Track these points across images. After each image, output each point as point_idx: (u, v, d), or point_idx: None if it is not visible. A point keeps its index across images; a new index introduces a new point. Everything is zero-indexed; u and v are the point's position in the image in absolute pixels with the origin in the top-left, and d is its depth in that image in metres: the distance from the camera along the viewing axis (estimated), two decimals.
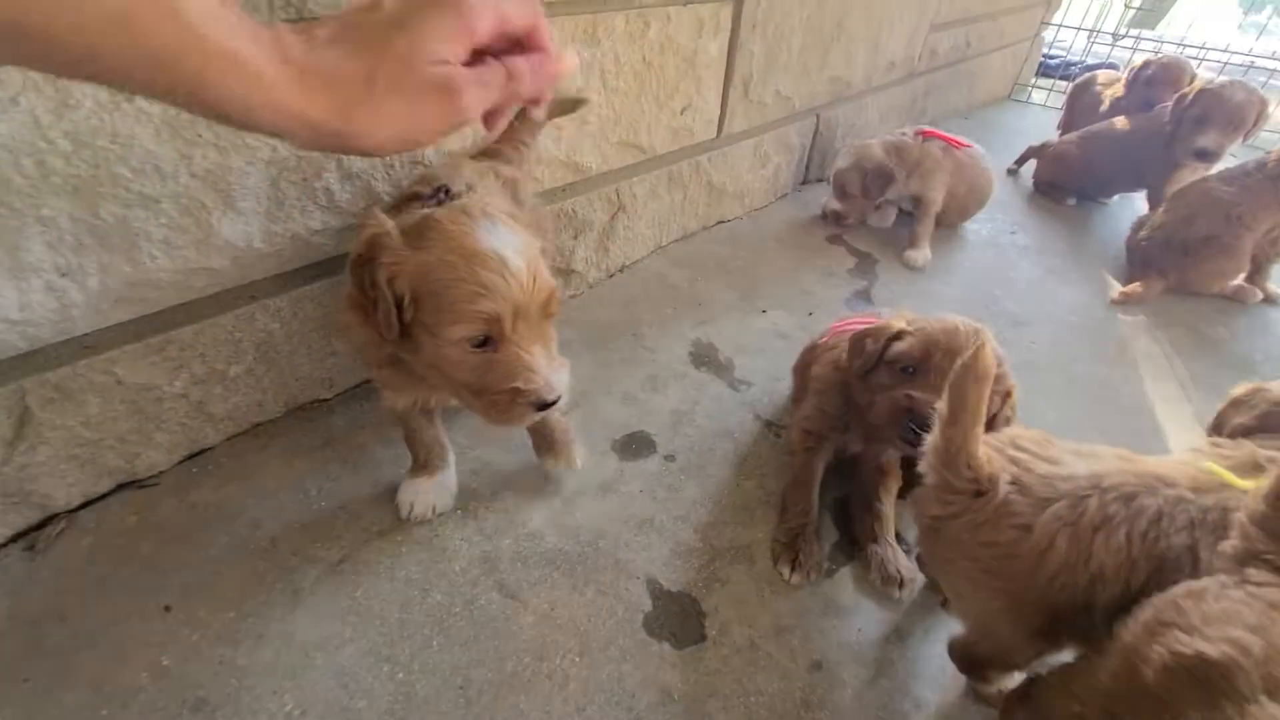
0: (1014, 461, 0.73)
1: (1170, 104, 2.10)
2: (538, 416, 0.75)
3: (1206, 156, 2.00)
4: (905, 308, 1.17)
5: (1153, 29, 4.59)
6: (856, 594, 0.96)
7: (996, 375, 0.89)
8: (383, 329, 0.71)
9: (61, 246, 0.79)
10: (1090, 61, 3.80)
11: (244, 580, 0.87)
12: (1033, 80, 3.95)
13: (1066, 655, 0.74)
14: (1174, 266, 1.82)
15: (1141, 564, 0.66)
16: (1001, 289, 1.81)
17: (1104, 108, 2.53)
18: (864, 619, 0.93)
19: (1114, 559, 0.66)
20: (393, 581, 0.90)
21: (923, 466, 0.75)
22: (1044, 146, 2.48)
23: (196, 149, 0.85)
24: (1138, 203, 2.33)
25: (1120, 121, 2.27)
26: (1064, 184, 2.38)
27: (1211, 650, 0.52)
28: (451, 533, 0.97)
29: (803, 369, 1.19)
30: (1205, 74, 2.38)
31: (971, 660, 0.81)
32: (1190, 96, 2.03)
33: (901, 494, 1.06)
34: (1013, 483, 0.71)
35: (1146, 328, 1.70)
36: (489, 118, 0.48)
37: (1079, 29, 3.85)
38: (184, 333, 0.94)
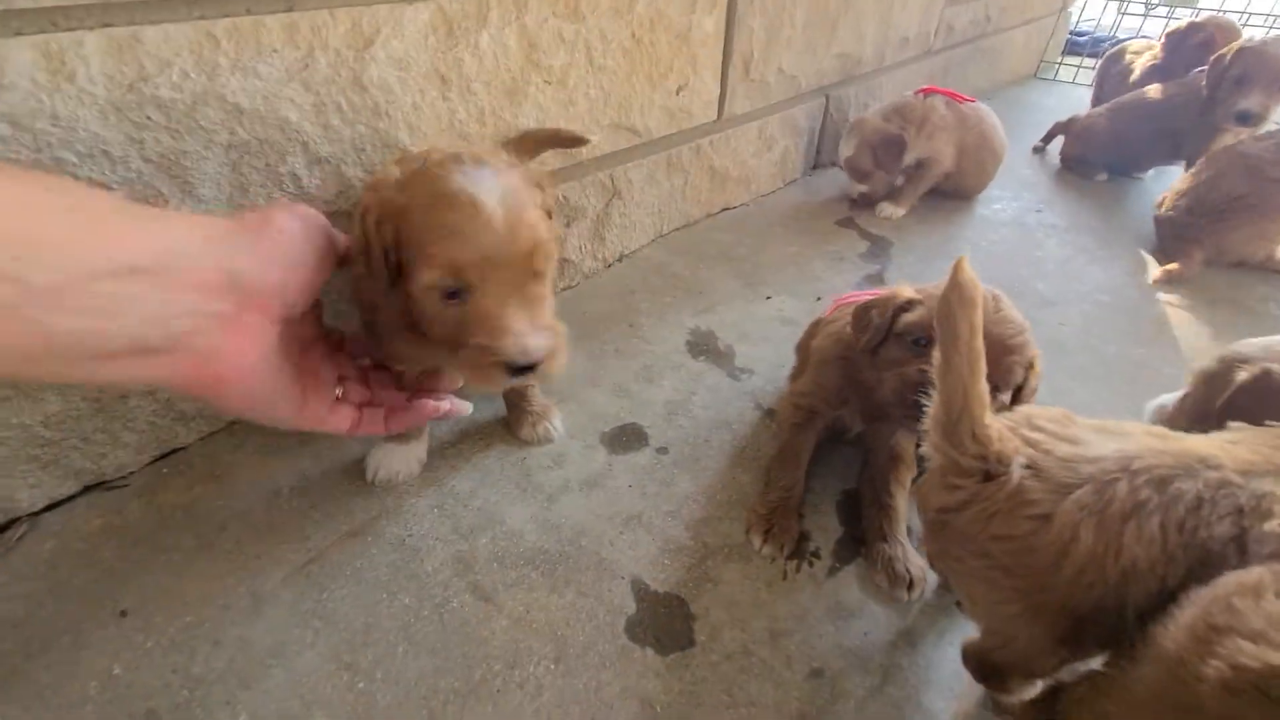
0: (1030, 443, 0.63)
1: (1206, 67, 1.96)
2: (514, 381, 0.68)
3: (1249, 120, 1.86)
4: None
5: (1192, 5, 4.33)
6: (862, 595, 0.88)
7: (1018, 344, 0.81)
8: (375, 276, 0.67)
9: None
10: (1121, 36, 3.62)
11: (205, 584, 0.83)
12: (1060, 58, 3.78)
13: (1094, 661, 0.65)
14: (1208, 234, 1.68)
15: (1179, 557, 0.56)
16: (1028, 269, 1.70)
17: (1135, 77, 2.39)
18: (870, 622, 0.84)
19: (1147, 552, 0.56)
20: (360, 584, 0.84)
21: (925, 447, 0.67)
22: (1071, 121, 2.35)
23: (147, 132, 0.81)
24: (1174, 177, 2.19)
25: (1153, 90, 2.14)
26: (1093, 159, 2.24)
27: None
28: (426, 531, 0.92)
29: (804, 346, 1.11)
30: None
31: (988, 668, 0.72)
32: (1229, 56, 1.89)
33: (916, 481, 0.98)
34: (1028, 466, 0.61)
35: (1189, 305, 1.57)
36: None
37: (1108, 1, 3.67)
38: None
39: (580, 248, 1.47)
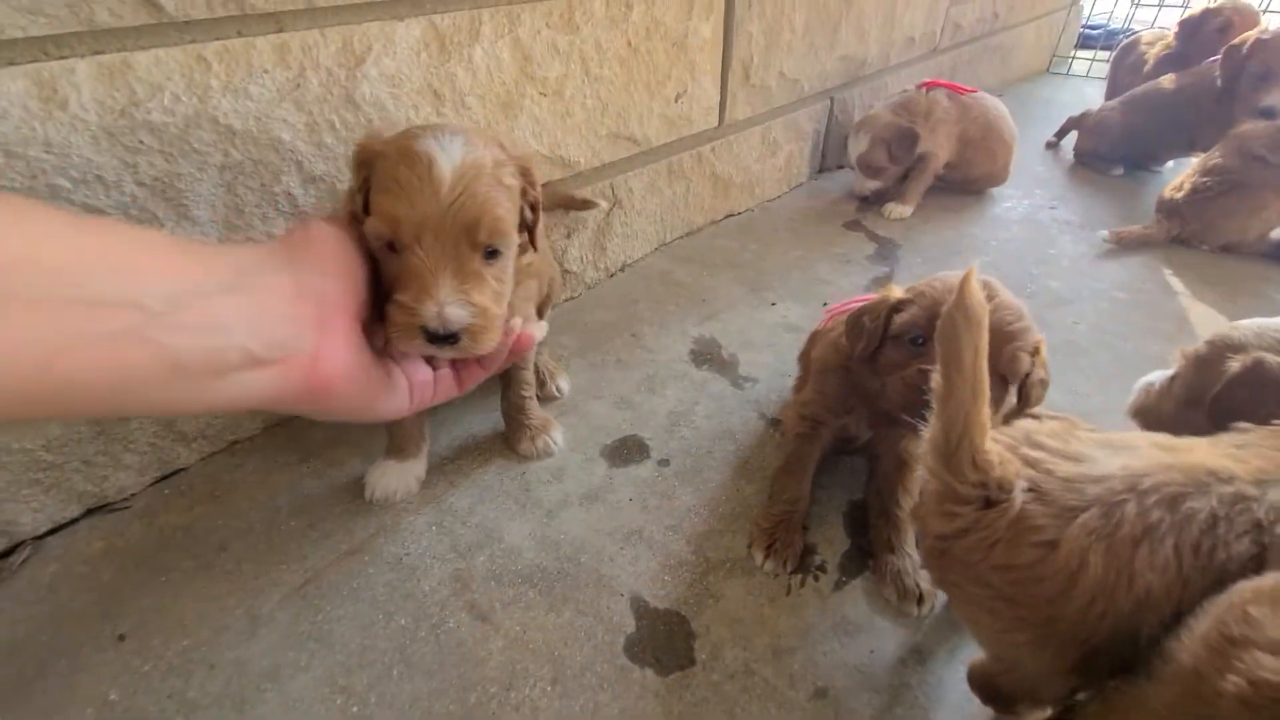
0: (1031, 463, 0.60)
1: (1220, 58, 1.91)
2: (430, 349, 0.65)
3: (1274, 117, 1.80)
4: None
5: None
6: (869, 610, 0.85)
7: (1019, 329, 0.77)
8: (355, 217, 0.67)
9: None
10: (1135, 28, 3.55)
11: (203, 606, 0.83)
12: (1073, 52, 3.71)
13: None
14: (1192, 209, 1.69)
15: (1196, 580, 0.53)
16: (1041, 267, 1.66)
17: (1148, 68, 2.34)
18: (877, 639, 0.81)
19: (1162, 578, 0.53)
20: (357, 604, 0.84)
21: (920, 470, 0.63)
22: (1084, 116, 2.31)
23: (140, 156, 0.82)
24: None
25: (1166, 81, 2.09)
26: (1107, 153, 2.19)
27: None
28: (423, 550, 0.91)
29: (806, 356, 1.08)
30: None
31: (994, 692, 0.69)
32: (1247, 48, 1.84)
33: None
34: (1031, 489, 0.58)
35: (1210, 300, 1.52)
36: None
37: None
38: None
39: (582, 258, 1.46)
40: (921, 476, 0.63)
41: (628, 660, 0.78)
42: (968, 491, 0.58)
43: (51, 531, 0.91)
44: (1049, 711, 0.66)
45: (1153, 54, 2.41)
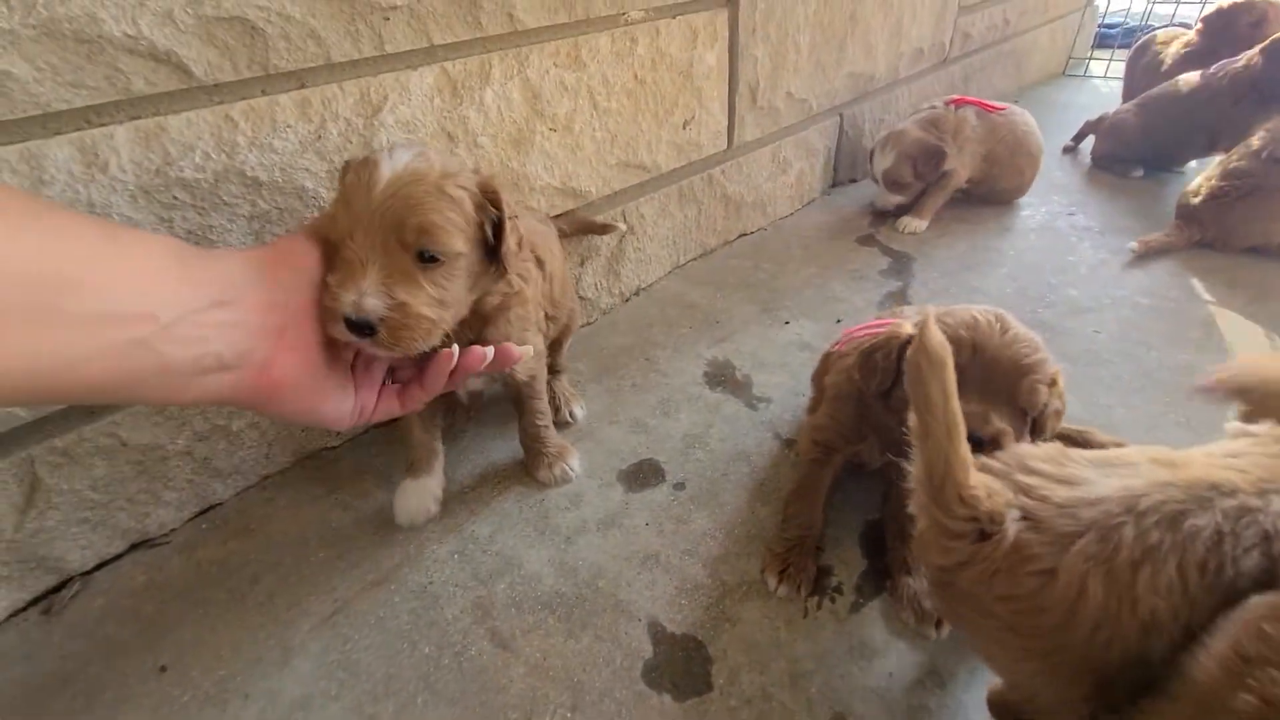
0: (1024, 489, 0.59)
1: (1259, 53, 1.87)
2: (350, 337, 0.67)
3: None
4: (947, 305, 1.06)
5: None
6: (887, 633, 0.85)
7: (1034, 363, 0.77)
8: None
9: None
10: (1152, 25, 3.50)
11: (238, 637, 0.86)
12: (1090, 53, 3.67)
13: None
14: (1210, 213, 1.66)
15: (1203, 601, 0.52)
16: (1059, 275, 1.64)
17: (1166, 67, 2.30)
18: (895, 661, 0.81)
19: (1167, 600, 0.52)
20: (383, 633, 0.86)
21: (911, 507, 0.64)
22: (1101, 119, 2.28)
23: (175, 211, 0.87)
24: None
25: (1183, 80, 2.05)
26: (1124, 156, 2.16)
27: None
28: (446, 578, 0.93)
29: (820, 377, 1.09)
30: None
31: (1011, 717, 0.68)
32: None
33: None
34: (1025, 517, 0.57)
35: (1239, 304, 1.48)
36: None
37: None
38: None
39: (596, 284, 1.49)
40: (914, 512, 0.63)
41: (645, 686, 0.80)
42: (960, 526, 0.58)
43: (98, 567, 0.96)
44: None
45: (1169, 53, 2.38)
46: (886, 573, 0.91)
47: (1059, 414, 0.82)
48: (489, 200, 0.77)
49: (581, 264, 1.44)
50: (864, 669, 0.81)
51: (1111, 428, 1.11)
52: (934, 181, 1.90)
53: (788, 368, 1.33)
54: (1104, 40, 3.73)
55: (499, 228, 0.78)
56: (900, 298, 1.58)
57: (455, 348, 0.73)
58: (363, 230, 0.68)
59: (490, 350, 0.74)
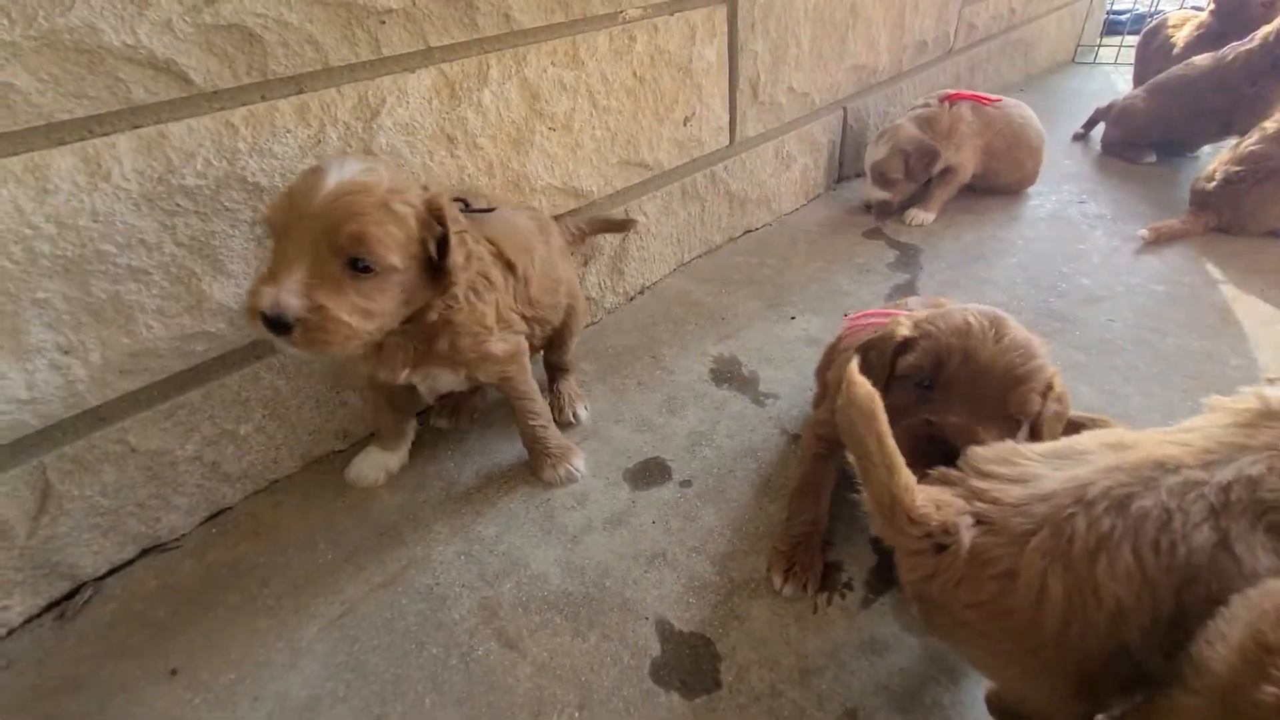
0: (978, 494, 0.59)
1: (1264, 35, 1.83)
2: (267, 333, 0.70)
3: None
4: (955, 297, 1.04)
5: None
6: (898, 628, 0.83)
7: (1028, 371, 0.75)
8: None
9: (60, 325, 0.84)
10: (1163, 10, 3.44)
11: (247, 639, 0.87)
12: (1099, 39, 3.62)
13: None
14: (1225, 198, 1.62)
15: (1163, 582, 0.51)
16: (1071, 264, 1.61)
17: (1178, 50, 2.26)
18: (906, 657, 0.80)
19: (1128, 586, 0.51)
20: (391, 634, 0.86)
21: (872, 529, 0.64)
22: (1110, 106, 2.24)
23: (178, 218, 0.88)
24: None
25: (1194, 64, 2.01)
26: (1135, 141, 2.13)
27: None
28: (453, 579, 0.93)
29: (823, 371, 1.08)
30: None
31: (1010, 717, 0.67)
32: None
33: None
34: (980, 521, 0.57)
35: (1259, 289, 1.45)
36: None
37: None
38: (191, 396, 0.97)
39: (600, 284, 1.49)
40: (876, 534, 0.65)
41: (654, 684, 0.79)
42: (916, 544, 0.59)
43: (110, 572, 0.96)
44: None
45: (1181, 36, 2.34)
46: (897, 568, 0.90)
47: (1059, 416, 0.79)
48: (434, 217, 0.78)
49: (585, 264, 1.44)
50: (875, 665, 0.79)
51: (1128, 417, 1.09)
52: (937, 176, 1.88)
53: (794, 363, 1.32)
54: (1114, 27, 3.68)
55: (444, 243, 0.78)
56: (908, 290, 1.56)
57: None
58: (297, 230, 0.69)
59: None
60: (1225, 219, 1.63)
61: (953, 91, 1.91)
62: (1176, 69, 2.07)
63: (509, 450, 1.14)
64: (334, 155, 0.80)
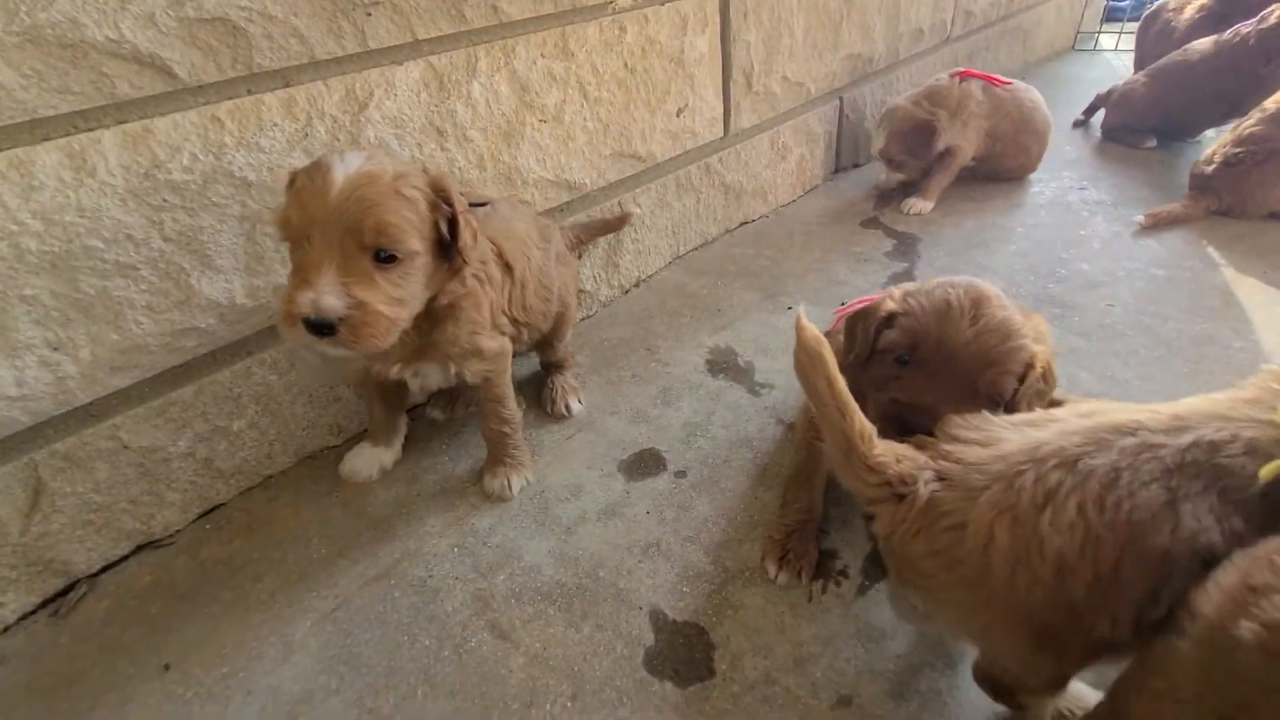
0: (944, 455, 0.62)
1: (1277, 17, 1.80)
2: (310, 339, 0.70)
3: None
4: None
5: None
6: (893, 615, 0.82)
7: (1002, 354, 0.75)
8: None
9: (49, 322, 0.83)
10: None
11: (240, 634, 0.87)
12: (1099, 26, 3.59)
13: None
14: (1225, 181, 1.60)
15: (1106, 537, 0.53)
16: (1071, 250, 1.60)
17: (1179, 34, 2.24)
18: (901, 644, 0.79)
19: (1071, 538, 0.53)
20: (383, 627, 0.86)
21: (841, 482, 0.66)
22: (1111, 92, 2.22)
23: (165, 213, 0.88)
24: None
25: (1200, 45, 1.99)
26: (1134, 126, 2.11)
27: None
28: (446, 571, 0.93)
29: None
30: None
31: (995, 685, 0.67)
32: None
33: None
34: (940, 478, 0.60)
35: (1261, 271, 1.43)
36: None
37: None
38: (183, 393, 0.97)
39: (595, 277, 1.48)
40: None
41: (647, 674, 0.78)
42: (873, 492, 0.61)
43: (104, 569, 0.96)
44: (1051, 704, 0.65)
45: (1182, 19, 2.31)
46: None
47: (1040, 393, 0.79)
48: (441, 198, 0.77)
49: (580, 257, 1.43)
50: (871, 652, 0.78)
51: (1128, 401, 1.08)
52: (936, 160, 1.86)
53: (791, 353, 1.30)
54: (1113, 14, 3.65)
55: (453, 223, 0.78)
56: (906, 279, 1.55)
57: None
58: (319, 232, 0.69)
59: None
60: (1226, 202, 1.61)
61: (965, 69, 1.89)
62: (1177, 53, 2.04)
63: None
64: (327, 149, 0.80)
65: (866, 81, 2.13)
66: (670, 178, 1.58)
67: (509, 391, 1.03)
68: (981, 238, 1.69)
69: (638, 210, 1.52)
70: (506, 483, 1.03)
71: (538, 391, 1.22)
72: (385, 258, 0.72)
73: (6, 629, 0.89)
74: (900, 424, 0.75)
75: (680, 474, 1.05)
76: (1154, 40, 2.39)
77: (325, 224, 0.68)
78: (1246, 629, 0.43)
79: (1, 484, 0.85)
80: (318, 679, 0.81)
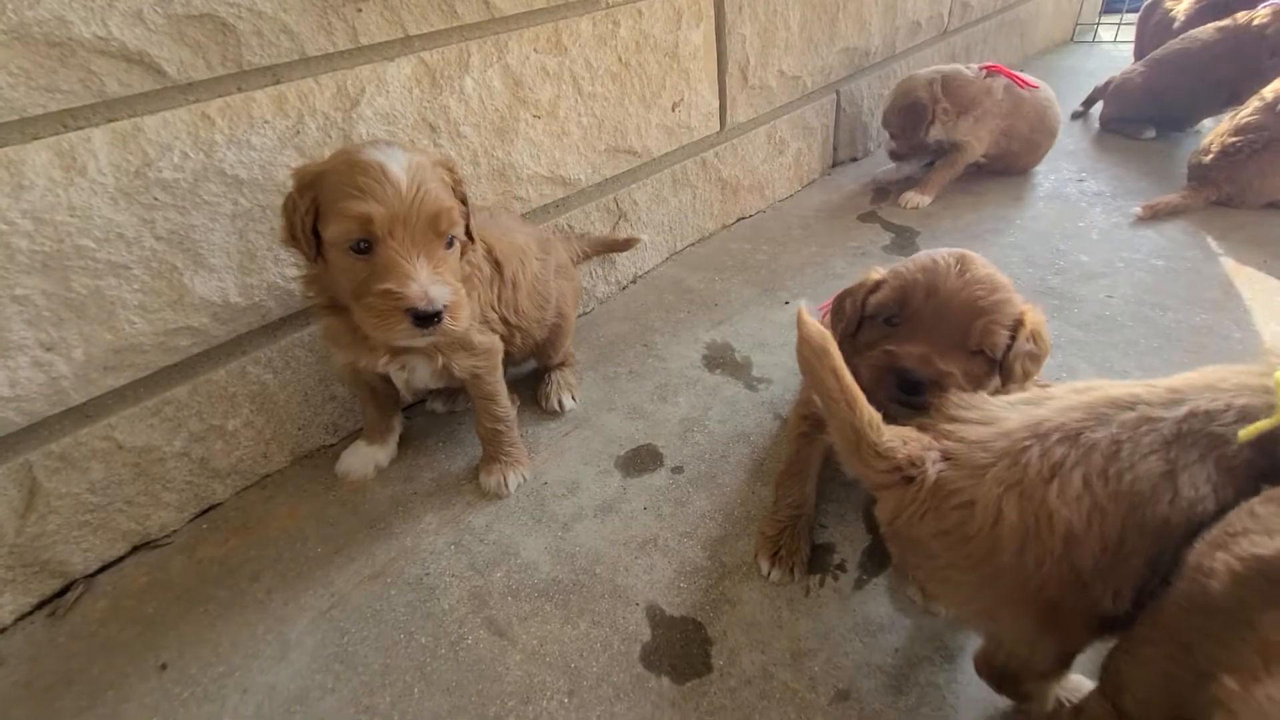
0: (947, 435, 0.62)
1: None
2: (416, 332, 0.73)
3: None
4: None
5: None
6: (892, 609, 0.82)
7: (990, 304, 0.76)
8: (295, 236, 0.77)
9: (41, 322, 0.83)
10: None
11: (237, 633, 0.86)
12: (1098, 18, 3.57)
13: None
14: (1223, 170, 1.59)
15: (1110, 508, 0.53)
16: (1070, 241, 1.59)
17: (1180, 23, 2.23)
18: (900, 637, 0.79)
19: (1078, 510, 0.53)
20: (380, 625, 0.86)
21: (846, 470, 0.65)
22: (1109, 84, 2.21)
23: (156, 212, 0.87)
24: None
25: (1195, 37, 1.98)
26: (1133, 116, 2.10)
27: None
28: (443, 569, 0.92)
29: None
30: None
31: (997, 674, 0.67)
32: None
33: None
34: (945, 458, 0.60)
35: (1261, 261, 1.43)
36: None
37: None
38: (178, 392, 0.97)
39: (591, 273, 1.48)
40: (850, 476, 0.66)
41: (644, 669, 0.78)
42: (884, 479, 0.61)
43: (101, 570, 0.96)
44: (1056, 688, 0.65)
45: (1182, 9, 2.30)
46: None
47: (1033, 356, 0.78)
48: (454, 180, 0.81)
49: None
50: (869, 645, 0.78)
51: None
52: (939, 154, 1.85)
53: (788, 348, 1.30)
54: (1112, 5, 3.63)
55: (465, 202, 0.81)
56: None
57: None
58: (401, 226, 0.71)
59: None
60: (1224, 192, 1.60)
61: (995, 64, 1.87)
62: (1175, 42, 2.03)
63: None
64: (326, 147, 0.81)
65: (863, 75, 2.12)
66: (666, 173, 1.57)
67: (500, 389, 1.02)
68: (980, 230, 1.69)
69: (634, 206, 1.51)
70: (503, 480, 1.02)
71: (535, 388, 1.22)
72: (449, 243, 0.76)
73: (4, 630, 0.89)
74: (893, 377, 0.75)
75: (677, 470, 1.05)
76: (1153, 31, 2.38)
77: (405, 218, 0.71)
78: (1219, 559, 0.46)
79: None
80: (314, 677, 0.81)
